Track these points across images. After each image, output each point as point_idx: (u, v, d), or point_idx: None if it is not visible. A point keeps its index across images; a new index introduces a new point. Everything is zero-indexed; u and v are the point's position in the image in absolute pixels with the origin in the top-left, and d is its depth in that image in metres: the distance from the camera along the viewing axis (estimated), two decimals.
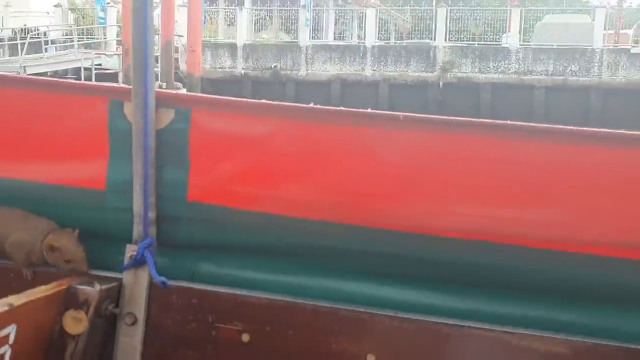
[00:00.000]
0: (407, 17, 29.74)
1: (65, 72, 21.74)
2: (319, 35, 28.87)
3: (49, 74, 21.12)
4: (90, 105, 1.71)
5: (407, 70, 25.93)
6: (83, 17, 30.42)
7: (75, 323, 1.56)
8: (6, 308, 1.36)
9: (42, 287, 1.54)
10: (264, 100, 1.76)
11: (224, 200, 1.71)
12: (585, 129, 1.63)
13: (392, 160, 1.67)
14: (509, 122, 1.64)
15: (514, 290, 1.65)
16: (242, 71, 24.57)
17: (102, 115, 1.70)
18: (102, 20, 26.62)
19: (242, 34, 25.56)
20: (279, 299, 1.69)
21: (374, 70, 26.04)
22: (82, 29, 26.55)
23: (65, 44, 23.85)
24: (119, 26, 24.79)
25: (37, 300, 1.49)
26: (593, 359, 1.54)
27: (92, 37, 26.32)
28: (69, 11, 29.79)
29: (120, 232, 1.71)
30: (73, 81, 1.88)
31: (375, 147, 1.68)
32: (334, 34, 30.77)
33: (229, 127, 1.74)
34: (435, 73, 25.58)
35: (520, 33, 26.41)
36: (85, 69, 21.00)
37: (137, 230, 1.70)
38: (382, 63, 26.11)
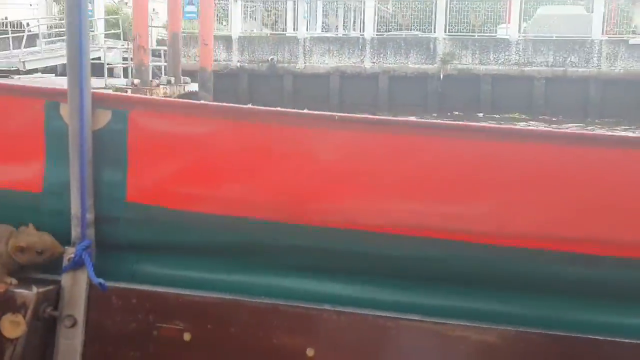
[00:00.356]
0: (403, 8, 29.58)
1: (55, 67, 21.35)
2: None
3: (39, 70, 20.94)
4: (26, 106, 1.69)
5: (407, 62, 25.86)
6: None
7: (13, 327, 1.55)
8: None
9: None
10: (202, 101, 1.75)
11: (163, 200, 1.70)
12: (509, 126, 1.71)
13: (329, 159, 1.69)
14: (438, 121, 1.66)
15: (447, 282, 1.69)
16: (238, 64, 24.46)
17: (38, 116, 1.68)
18: (90, 13, 26.34)
19: (237, 27, 25.41)
20: (219, 297, 1.69)
21: (374, 63, 25.96)
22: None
23: (53, 39, 23.29)
24: (114, 18, 24.42)
25: None
26: (520, 345, 1.59)
27: None
28: (53, 3, 28.94)
29: (58, 235, 1.69)
30: (8, 82, 1.87)
31: (312, 146, 1.70)
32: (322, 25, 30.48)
33: (167, 127, 1.73)
34: (435, 65, 25.51)
35: (519, 24, 26.31)
36: None
37: (75, 232, 1.68)
38: (382, 55, 26.03)
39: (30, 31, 23.10)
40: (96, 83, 19.18)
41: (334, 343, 1.65)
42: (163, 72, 20.34)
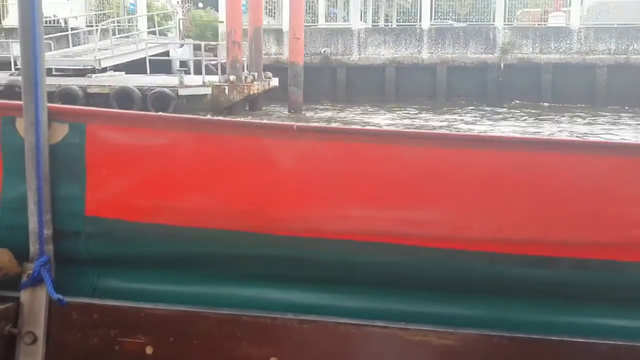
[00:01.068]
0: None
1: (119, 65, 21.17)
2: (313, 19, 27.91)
3: (109, 68, 20.81)
4: None
5: (465, 52, 25.36)
6: (108, 3, 28.39)
7: None
8: None
9: None
10: (160, 113, 1.70)
11: (123, 213, 1.66)
12: (461, 133, 1.76)
13: (288, 169, 1.65)
14: (394, 129, 1.60)
15: (408, 287, 1.68)
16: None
17: None
18: (132, 8, 25.33)
19: (287, 20, 25.29)
20: (181, 310, 1.65)
21: (431, 53, 25.55)
22: (115, 17, 25.20)
23: (118, 36, 23.04)
24: (159, 14, 24.01)
25: None
26: (481, 348, 1.59)
27: (120, 25, 24.98)
28: None
29: (17, 250, 1.66)
30: None
31: (271, 156, 1.65)
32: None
33: (125, 140, 1.67)
34: (495, 54, 24.95)
35: (580, 12, 25.44)
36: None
37: (33, 248, 1.64)
38: (440, 45, 25.58)
39: (72, 28, 23.22)
40: (194, 80, 18.99)
41: (298, 352, 1.63)
42: (245, 68, 20.05)
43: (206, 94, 18.48)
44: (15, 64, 18.87)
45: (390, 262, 1.65)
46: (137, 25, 24.88)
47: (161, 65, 21.23)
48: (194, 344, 1.63)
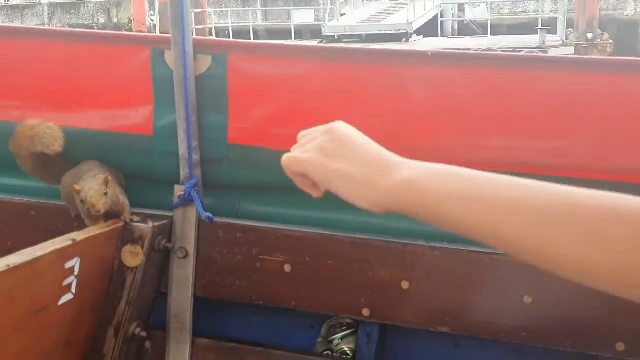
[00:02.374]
0: None
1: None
2: None
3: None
4: (134, 54, 1.76)
5: None
6: None
7: (133, 257, 1.68)
8: (70, 242, 1.48)
9: (101, 225, 1.67)
10: (297, 43, 1.72)
11: (262, 141, 1.72)
12: (603, 58, 1.63)
13: (422, 96, 1.63)
14: (532, 54, 1.53)
15: None
16: None
17: (145, 64, 1.75)
18: None
19: None
20: (317, 232, 1.73)
21: None
22: None
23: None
24: None
25: (97, 236, 1.61)
26: None
27: None
28: None
29: (168, 175, 1.78)
30: (116, 32, 1.94)
31: (405, 84, 1.64)
32: None
33: (264, 70, 1.72)
34: None
35: None
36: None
37: (183, 172, 1.76)
38: None
39: None
40: (530, 41, 16.12)
41: (429, 277, 1.65)
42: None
43: None
44: None
45: None
46: None
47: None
48: (329, 264, 1.71)
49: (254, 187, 1.81)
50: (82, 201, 1.58)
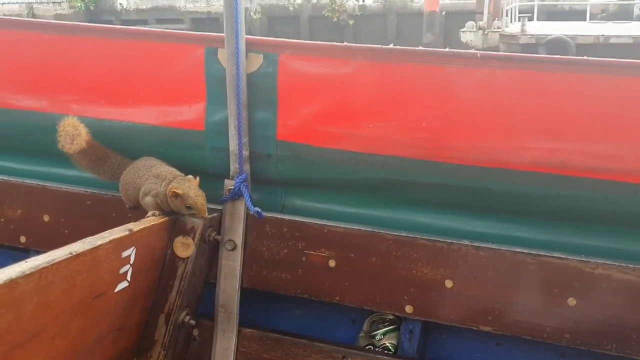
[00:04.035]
0: None
1: None
2: None
3: None
4: (188, 53, 1.80)
5: None
6: None
7: (184, 248, 1.72)
8: (127, 232, 1.53)
9: (155, 217, 1.72)
10: (345, 43, 1.74)
11: (309, 138, 1.75)
12: None
13: (469, 97, 1.63)
14: (582, 57, 1.50)
15: (590, 221, 1.63)
16: None
17: (199, 61, 1.79)
18: None
19: None
20: (361, 229, 1.74)
21: None
22: None
23: None
24: None
25: (151, 227, 1.66)
26: None
27: None
28: None
29: (218, 169, 1.82)
30: (173, 31, 2.00)
31: (453, 85, 1.64)
32: None
33: (313, 69, 1.74)
34: None
35: None
36: None
37: (233, 167, 1.80)
38: None
39: None
40: None
41: (473, 277, 1.65)
42: None
43: None
44: None
45: (570, 195, 1.59)
46: None
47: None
48: (373, 261, 1.72)
49: (300, 183, 1.83)
50: (188, 207, 1.64)
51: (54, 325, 1.27)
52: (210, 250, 1.82)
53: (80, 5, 19.33)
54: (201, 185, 1.74)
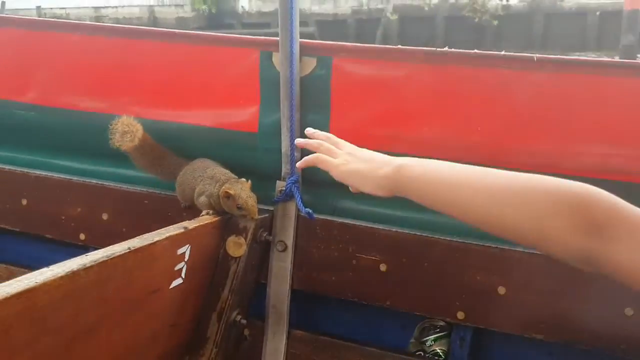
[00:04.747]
0: None
1: None
2: None
3: None
4: (243, 56, 1.83)
5: None
6: None
7: (236, 247, 1.74)
8: (182, 230, 1.56)
9: (209, 216, 1.75)
10: (399, 46, 1.73)
11: (362, 142, 1.72)
12: None
13: (525, 101, 1.59)
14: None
15: None
16: None
17: (254, 65, 1.81)
18: None
19: None
20: (414, 233, 1.73)
21: None
22: None
23: None
24: None
25: (205, 226, 1.68)
26: None
27: None
28: None
29: (270, 170, 1.84)
30: (229, 35, 2.02)
31: (509, 89, 1.61)
32: None
33: (367, 72, 1.74)
34: None
35: None
36: None
37: (285, 168, 1.82)
38: None
39: None
40: None
41: (526, 284, 1.62)
42: None
43: None
44: None
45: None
46: None
47: None
48: (424, 266, 1.70)
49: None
50: (239, 207, 1.67)
51: (111, 319, 1.31)
52: (262, 251, 1.84)
53: (205, 8, 19.11)
54: (253, 186, 1.76)
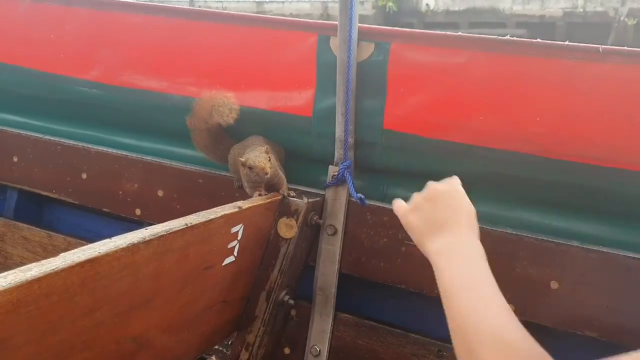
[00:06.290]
0: None
1: None
2: None
3: None
4: (301, 40, 1.83)
5: None
6: None
7: (287, 229, 1.76)
8: (236, 209, 1.57)
9: (262, 197, 1.76)
10: (459, 33, 1.70)
11: (416, 129, 1.73)
12: None
13: (589, 93, 1.54)
14: None
15: None
16: None
17: (311, 49, 1.81)
18: None
19: None
20: None
21: None
22: None
23: None
24: None
25: (258, 206, 1.70)
26: None
27: None
28: None
29: (323, 155, 1.84)
30: (288, 18, 2.00)
31: (571, 79, 1.56)
32: None
33: (424, 59, 1.72)
34: None
35: None
36: None
37: (338, 153, 1.81)
38: None
39: None
40: None
41: (580, 280, 1.58)
42: None
43: None
44: None
45: None
46: None
47: None
48: None
49: (403, 173, 1.82)
50: (250, 168, 1.67)
51: (166, 291, 1.34)
52: (312, 234, 1.84)
53: (391, 5, 17.67)
54: (306, 170, 1.76)
